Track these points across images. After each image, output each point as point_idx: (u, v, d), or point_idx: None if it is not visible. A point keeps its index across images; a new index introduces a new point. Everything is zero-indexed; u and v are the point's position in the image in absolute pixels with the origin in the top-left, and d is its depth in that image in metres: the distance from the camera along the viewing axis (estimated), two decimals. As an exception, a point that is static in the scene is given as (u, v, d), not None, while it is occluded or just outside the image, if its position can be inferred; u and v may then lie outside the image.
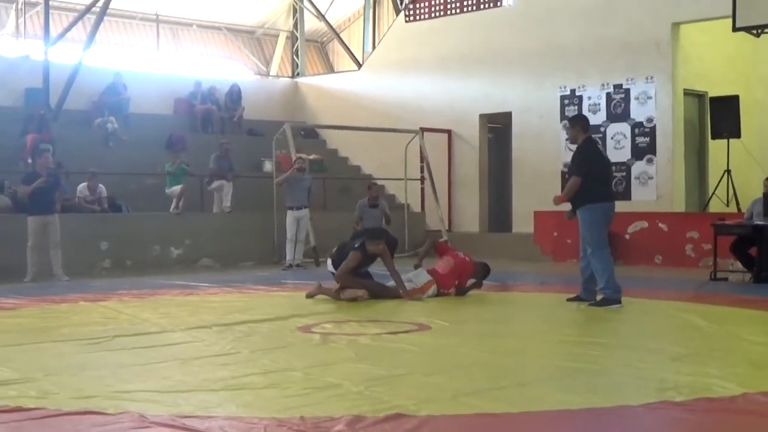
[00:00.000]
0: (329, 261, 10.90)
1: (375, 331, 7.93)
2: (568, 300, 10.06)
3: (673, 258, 15.47)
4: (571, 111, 17.89)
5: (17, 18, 22.80)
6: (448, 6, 20.32)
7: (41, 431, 4.65)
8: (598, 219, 9.71)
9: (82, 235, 15.09)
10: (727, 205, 15.88)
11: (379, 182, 19.37)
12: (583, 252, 9.85)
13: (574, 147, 10.23)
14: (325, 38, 28.92)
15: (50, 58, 18.96)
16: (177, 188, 16.87)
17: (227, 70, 26.39)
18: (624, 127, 17.19)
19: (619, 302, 9.55)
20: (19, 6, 22.69)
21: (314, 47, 28.87)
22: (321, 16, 25.60)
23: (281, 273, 15.03)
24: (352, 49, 25.45)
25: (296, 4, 25.93)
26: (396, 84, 21.13)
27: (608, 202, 9.83)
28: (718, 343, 7.43)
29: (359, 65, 23.50)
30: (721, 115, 16.17)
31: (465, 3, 20.02)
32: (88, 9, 20.02)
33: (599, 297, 9.67)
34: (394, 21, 22.52)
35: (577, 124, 9.99)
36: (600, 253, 9.61)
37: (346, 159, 21.69)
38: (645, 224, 16.02)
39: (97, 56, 21.92)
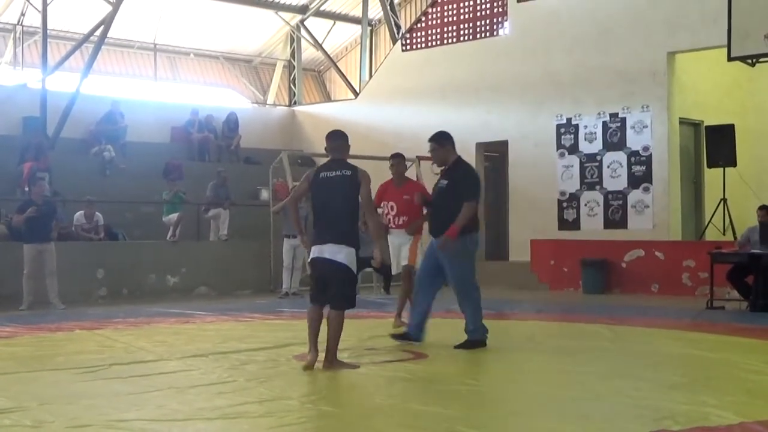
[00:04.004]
0: None
1: (371, 360, 7.91)
2: (394, 336, 8.96)
3: (670, 286, 15.46)
4: (567, 140, 17.94)
5: (15, 47, 22.87)
6: (445, 35, 20.41)
7: (36, 460, 4.63)
8: (471, 251, 8.87)
9: (79, 264, 15.08)
10: (724, 234, 15.90)
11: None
12: (421, 285, 8.97)
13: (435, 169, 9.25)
14: (322, 67, 29.02)
15: (48, 87, 19.03)
16: (174, 216, 16.88)
17: (224, 98, 26.46)
18: (620, 156, 17.22)
19: (485, 344, 8.74)
20: (17, 35, 22.75)
21: (311, 76, 28.96)
22: (318, 46, 25.72)
23: (278, 301, 15.00)
24: (349, 78, 25.55)
25: (294, 33, 26.06)
26: (393, 113, 21.18)
27: (477, 233, 8.95)
28: (715, 372, 7.42)
29: (356, 94, 23.57)
30: (717, 144, 16.21)
31: (461, 32, 20.10)
32: (85, 38, 20.10)
33: (467, 338, 8.78)
34: (391, 50, 22.60)
35: (447, 142, 8.90)
36: (474, 289, 8.89)
37: (342, 187, 21.70)
38: (641, 253, 16.02)
39: (95, 85, 21.99)
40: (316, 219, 7.53)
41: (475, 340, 8.66)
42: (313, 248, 7.44)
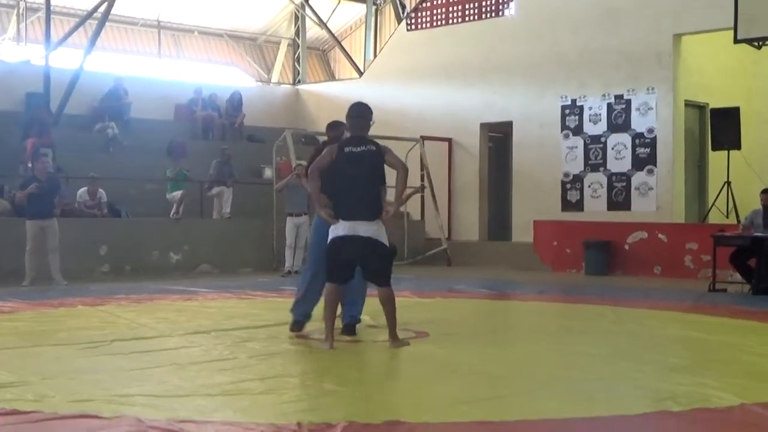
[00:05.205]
0: None
1: (373, 339, 7.92)
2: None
3: (673, 269, 15.45)
4: (571, 121, 17.91)
5: (18, 23, 22.82)
6: (450, 15, 20.34)
7: (37, 434, 4.64)
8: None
9: (81, 240, 15.09)
10: (727, 217, 15.87)
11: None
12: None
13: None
14: (326, 46, 28.94)
15: (51, 63, 18.97)
16: (177, 194, 16.88)
17: (228, 76, 26.41)
18: (625, 138, 17.20)
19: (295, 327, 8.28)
20: (21, 11, 22.70)
21: (315, 55, 28.88)
22: (323, 24, 25.62)
23: (280, 279, 15.01)
24: (353, 57, 25.45)
25: (298, 11, 25.95)
26: (397, 92, 21.13)
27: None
28: (716, 355, 7.43)
29: (360, 73, 23.51)
30: (722, 127, 16.17)
31: (467, 12, 20.03)
32: (89, 14, 20.04)
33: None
34: (395, 29, 22.54)
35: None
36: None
37: (346, 166, 21.66)
38: (644, 235, 16.01)
39: (98, 62, 21.94)
40: (340, 195, 7.40)
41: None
42: (343, 224, 7.33)
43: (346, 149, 7.44)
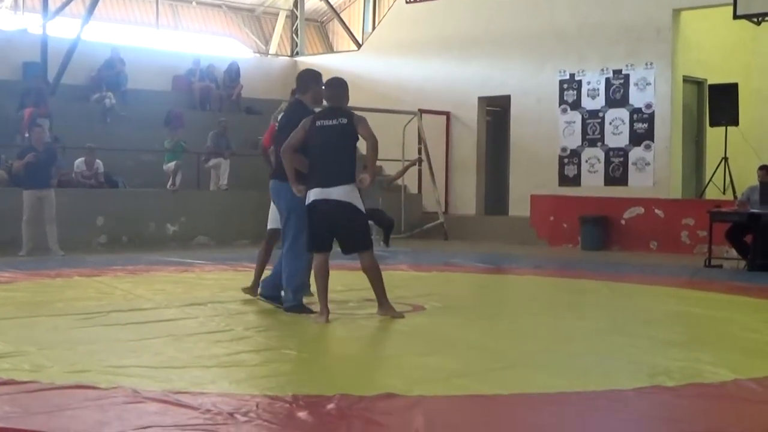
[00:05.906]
0: None
1: (369, 311, 7.93)
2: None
3: (669, 244, 15.48)
4: (570, 95, 17.87)
5: (16, -9, 22.70)
6: (449, -12, 20.24)
7: (34, 404, 4.65)
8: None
9: (78, 211, 15.08)
10: (724, 193, 15.90)
11: (377, 163, 19.30)
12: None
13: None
14: (325, 18, 28.82)
15: (48, 32, 18.87)
16: (173, 164, 16.86)
17: (226, 47, 26.30)
18: (622, 113, 17.18)
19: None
20: (18, -21, 22.58)
21: (314, 27, 28.76)
22: (321, -4, 25.54)
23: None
24: (351, 30, 25.37)
25: (297, -18, 25.84)
26: (395, 65, 21.08)
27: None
28: (710, 330, 7.46)
29: (359, 46, 23.43)
30: (720, 103, 16.16)
31: (466, -15, 19.94)
32: (87, -17, 19.92)
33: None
34: (394, 2, 22.43)
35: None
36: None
37: (343, 139, 21.59)
38: (641, 210, 16.03)
39: (96, 31, 21.83)
40: (312, 165, 7.42)
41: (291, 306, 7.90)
42: (315, 191, 7.32)
43: (318, 122, 7.43)
